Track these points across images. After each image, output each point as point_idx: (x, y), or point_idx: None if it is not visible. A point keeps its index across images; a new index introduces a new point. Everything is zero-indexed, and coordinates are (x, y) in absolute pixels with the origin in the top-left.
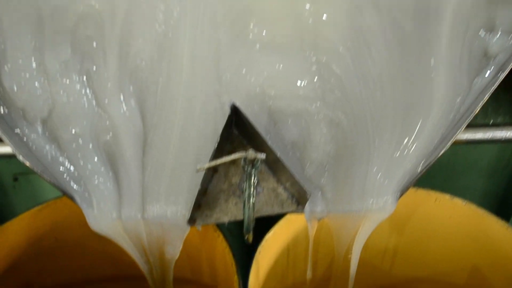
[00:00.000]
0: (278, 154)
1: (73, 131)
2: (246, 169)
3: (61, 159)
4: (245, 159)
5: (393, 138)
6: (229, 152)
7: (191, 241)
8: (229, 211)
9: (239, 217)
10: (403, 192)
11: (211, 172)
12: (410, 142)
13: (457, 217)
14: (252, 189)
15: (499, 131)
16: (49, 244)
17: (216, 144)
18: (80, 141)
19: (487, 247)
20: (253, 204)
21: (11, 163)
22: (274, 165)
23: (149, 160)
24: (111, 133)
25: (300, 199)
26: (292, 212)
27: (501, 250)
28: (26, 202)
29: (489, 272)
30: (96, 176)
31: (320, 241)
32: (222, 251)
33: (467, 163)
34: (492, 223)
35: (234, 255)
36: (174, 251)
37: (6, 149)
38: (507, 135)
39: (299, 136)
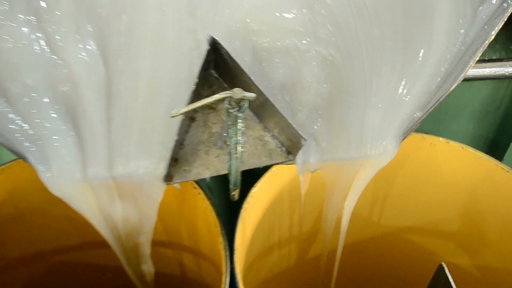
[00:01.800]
0: (266, 94)
1: (24, 82)
2: (231, 112)
3: (11, 115)
4: (229, 100)
5: (392, 77)
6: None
7: (167, 201)
8: (211, 164)
9: (222, 171)
10: (405, 135)
11: (188, 121)
12: (410, 80)
13: (453, 162)
14: (239, 136)
15: (498, 67)
16: (9, 213)
17: (193, 87)
18: (33, 94)
19: (484, 193)
20: (241, 153)
21: None
22: (261, 109)
23: (114, 112)
24: (69, 83)
25: (290, 148)
26: (282, 163)
27: (500, 196)
28: None
29: (484, 219)
30: (54, 133)
31: (308, 193)
32: (203, 210)
33: (458, 105)
34: (491, 167)
35: (217, 214)
36: (150, 214)
37: None
38: (505, 71)
39: (289, 77)
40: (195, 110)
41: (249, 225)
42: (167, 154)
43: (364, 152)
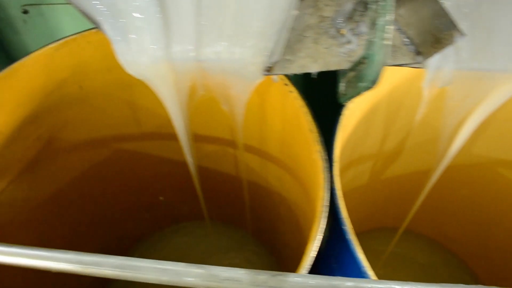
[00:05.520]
0: None
1: None
2: None
3: None
4: None
5: None
6: None
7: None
8: (320, 56)
9: (333, 65)
10: None
11: None
12: None
13: None
14: (391, 16)
15: None
16: (74, 92)
17: None
18: None
19: None
20: (389, 42)
21: None
22: None
23: None
24: None
25: (422, 47)
26: (407, 65)
27: None
28: (41, 40)
29: None
30: (135, 3)
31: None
32: (295, 112)
33: None
34: None
35: (313, 118)
36: (238, 108)
37: None
38: None
39: None
40: None
41: (343, 134)
42: (267, 40)
43: None
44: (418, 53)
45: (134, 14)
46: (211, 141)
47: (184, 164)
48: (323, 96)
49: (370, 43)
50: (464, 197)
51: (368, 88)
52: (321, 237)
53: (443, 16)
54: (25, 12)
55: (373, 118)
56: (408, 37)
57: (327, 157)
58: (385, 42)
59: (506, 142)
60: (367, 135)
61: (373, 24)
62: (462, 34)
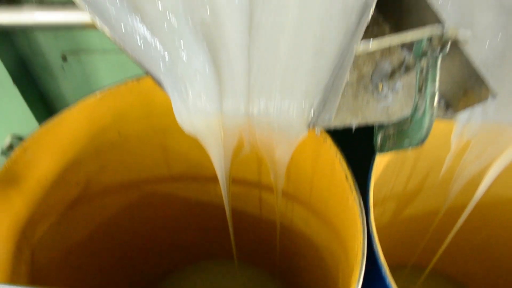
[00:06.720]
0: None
1: (161, 3)
2: (430, 54)
3: (147, 35)
4: (430, 39)
5: None
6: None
7: None
8: (359, 111)
9: (372, 119)
10: None
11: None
12: None
13: None
14: (437, 85)
15: None
16: (112, 139)
17: (366, 22)
18: (172, 17)
19: None
20: (435, 107)
21: (58, 39)
22: None
23: (256, 46)
24: (209, 9)
25: (452, 101)
26: (438, 117)
27: None
28: (77, 86)
29: None
30: (192, 62)
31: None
32: (330, 159)
33: None
34: None
35: (347, 165)
36: (283, 159)
37: (54, 16)
38: None
39: (460, 21)
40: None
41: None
42: (312, 96)
43: None
44: (448, 107)
45: (193, 77)
46: (240, 183)
47: (211, 204)
48: (352, 140)
49: (418, 107)
50: (487, 237)
51: (415, 146)
52: (361, 283)
53: (473, 74)
54: (64, 59)
55: (400, 165)
56: (440, 91)
57: (363, 204)
58: (434, 108)
59: None
60: (393, 178)
61: (420, 90)
62: (493, 94)
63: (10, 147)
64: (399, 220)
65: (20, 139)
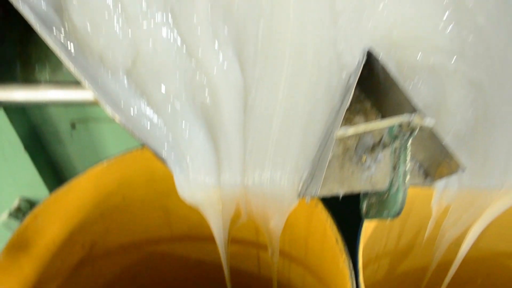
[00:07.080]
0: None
1: (165, 88)
2: (401, 138)
3: (154, 119)
4: (400, 125)
5: None
6: (348, 117)
7: None
8: (345, 181)
9: (357, 188)
10: None
11: (327, 136)
12: None
13: None
14: (408, 164)
15: None
16: (116, 203)
17: (348, 103)
18: (177, 102)
19: None
20: (407, 184)
21: (68, 109)
22: None
23: (251, 124)
24: (208, 91)
25: (430, 169)
26: (418, 185)
27: None
28: (84, 152)
29: None
30: (194, 141)
31: (411, 212)
32: (321, 223)
33: None
34: None
35: (338, 229)
36: (277, 225)
37: (64, 94)
38: None
39: (433, 98)
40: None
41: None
42: (302, 167)
43: (509, 181)
44: (427, 175)
45: (193, 154)
46: (239, 242)
47: (211, 263)
48: (343, 203)
49: (393, 183)
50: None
51: (392, 218)
52: None
53: (443, 150)
54: (73, 126)
55: (390, 227)
56: (418, 161)
57: (352, 266)
58: (406, 185)
59: (509, 235)
60: (385, 236)
61: (394, 168)
62: (462, 168)
63: (18, 209)
64: (394, 276)
65: (28, 201)
